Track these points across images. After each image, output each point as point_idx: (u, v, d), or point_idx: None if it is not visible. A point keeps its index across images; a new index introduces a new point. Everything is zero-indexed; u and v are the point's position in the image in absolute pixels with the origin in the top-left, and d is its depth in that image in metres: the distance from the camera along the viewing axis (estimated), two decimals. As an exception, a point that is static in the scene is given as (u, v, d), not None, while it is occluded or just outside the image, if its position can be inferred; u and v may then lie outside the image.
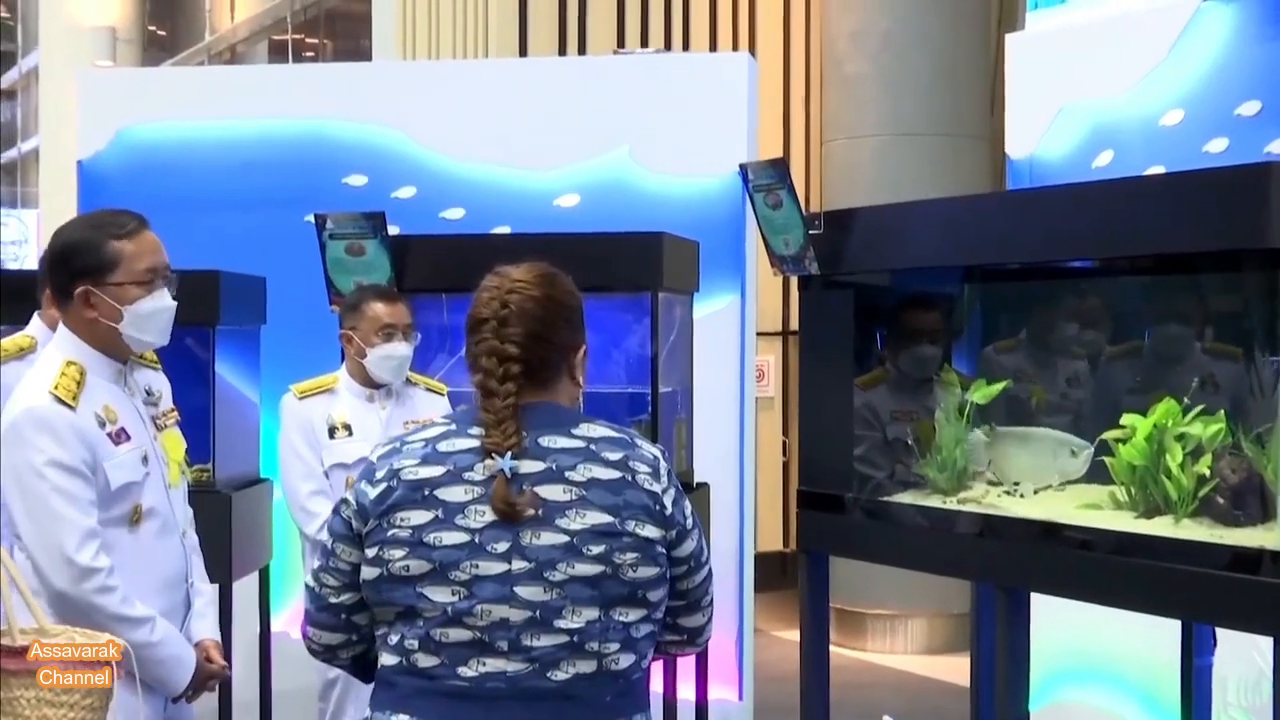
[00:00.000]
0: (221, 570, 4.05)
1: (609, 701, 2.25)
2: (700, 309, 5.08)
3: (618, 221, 5.21)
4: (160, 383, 3.20)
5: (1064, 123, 5.08)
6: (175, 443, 3.16)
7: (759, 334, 6.42)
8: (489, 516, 2.21)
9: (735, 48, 9.19)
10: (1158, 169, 4.46)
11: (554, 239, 4.75)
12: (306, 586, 2.38)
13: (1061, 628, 4.58)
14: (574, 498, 2.22)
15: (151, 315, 3.00)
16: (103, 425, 2.92)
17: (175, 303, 3.05)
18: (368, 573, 2.26)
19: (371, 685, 2.35)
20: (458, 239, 5.10)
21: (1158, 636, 4.19)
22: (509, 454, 2.22)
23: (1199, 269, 3.28)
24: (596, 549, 2.21)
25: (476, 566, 2.20)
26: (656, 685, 4.59)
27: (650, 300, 4.55)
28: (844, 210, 4.14)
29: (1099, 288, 3.75)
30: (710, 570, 2.41)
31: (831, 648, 4.09)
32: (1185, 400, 3.27)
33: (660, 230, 4.61)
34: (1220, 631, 4.09)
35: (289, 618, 5.54)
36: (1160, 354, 3.60)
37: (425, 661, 2.22)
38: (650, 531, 2.25)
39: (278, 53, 16.23)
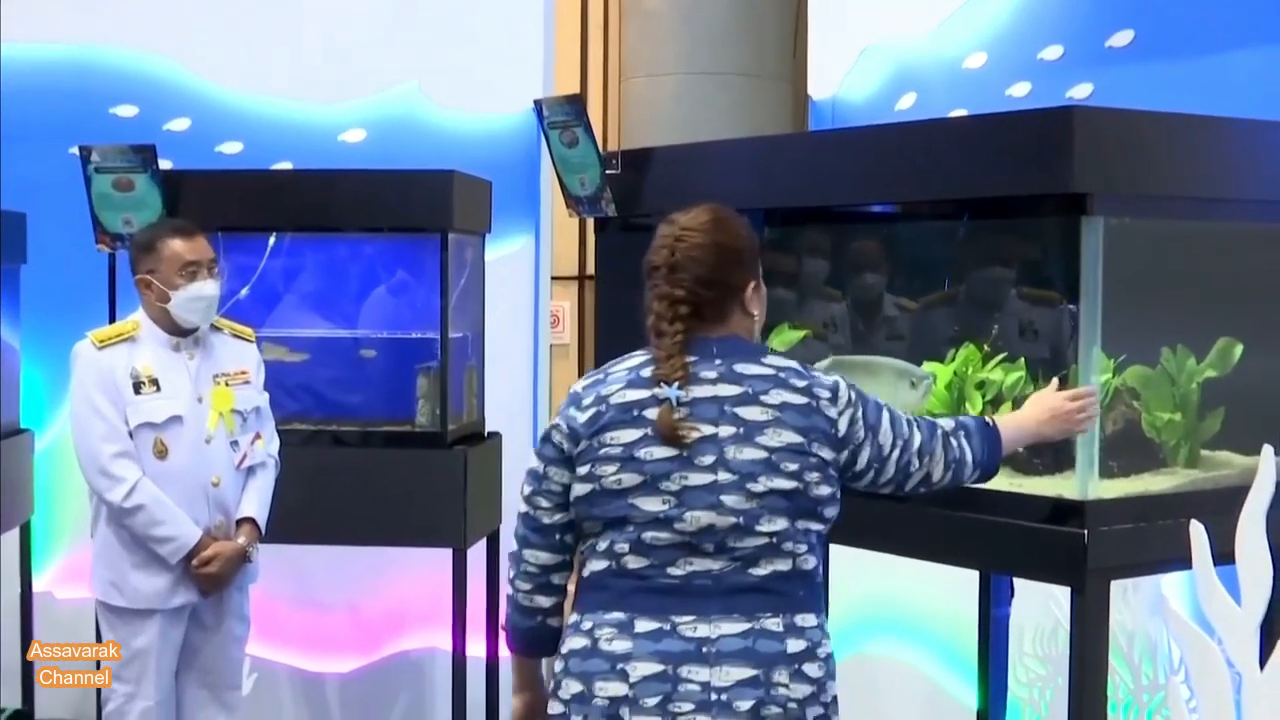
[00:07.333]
0: (-25, 528, 3.80)
1: (800, 596, 2.47)
2: (492, 251, 4.93)
3: (406, 159, 5.03)
4: None
5: (866, 64, 5.03)
6: None
7: (554, 278, 6.22)
8: (695, 434, 2.42)
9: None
10: (960, 112, 4.44)
11: (338, 176, 4.62)
12: (520, 513, 2.57)
13: (860, 579, 4.56)
14: (770, 418, 2.44)
15: None
16: None
17: None
18: (580, 489, 2.48)
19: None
20: (235, 175, 4.89)
21: (956, 587, 4.20)
22: (675, 384, 2.42)
23: (1001, 213, 3.24)
24: (791, 466, 2.43)
25: (686, 478, 2.41)
26: (445, 641, 4.48)
27: (440, 241, 4.41)
28: (642, 150, 4.05)
29: (900, 231, 3.69)
30: (914, 440, 2.61)
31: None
32: (986, 347, 3.23)
33: (451, 168, 4.46)
34: (1018, 581, 4.12)
35: (52, 577, 5.25)
36: (961, 299, 3.56)
37: (635, 563, 2.44)
38: (827, 454, 2.47)
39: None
